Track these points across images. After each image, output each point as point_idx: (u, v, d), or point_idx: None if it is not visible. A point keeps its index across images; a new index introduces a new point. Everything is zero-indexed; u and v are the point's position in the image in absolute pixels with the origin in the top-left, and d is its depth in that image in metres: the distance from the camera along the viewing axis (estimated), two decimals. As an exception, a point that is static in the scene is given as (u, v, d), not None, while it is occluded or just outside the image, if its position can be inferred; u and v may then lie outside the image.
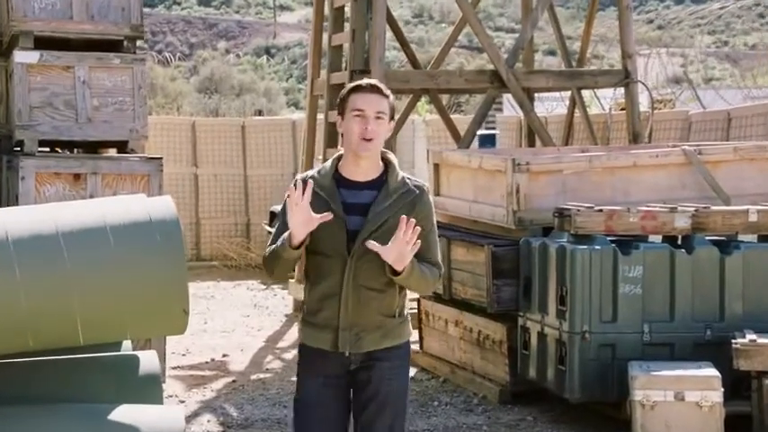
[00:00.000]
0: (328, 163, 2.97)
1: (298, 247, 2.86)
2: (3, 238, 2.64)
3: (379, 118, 2.88)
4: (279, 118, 14.12)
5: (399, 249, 2.80)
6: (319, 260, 2.90)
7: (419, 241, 2.82)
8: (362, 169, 2.92)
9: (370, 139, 2.87)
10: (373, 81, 2.94)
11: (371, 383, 2.95)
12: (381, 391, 2.95)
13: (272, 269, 2.94)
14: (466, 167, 6.06)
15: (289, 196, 2.82)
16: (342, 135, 2.96)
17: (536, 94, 8.86)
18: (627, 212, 5.03)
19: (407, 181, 2.96)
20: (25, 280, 2.62)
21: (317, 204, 2.87)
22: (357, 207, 2.90)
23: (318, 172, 2.96)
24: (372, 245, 2.80)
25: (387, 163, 2.97)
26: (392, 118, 2.94)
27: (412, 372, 6.28)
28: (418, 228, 2.80)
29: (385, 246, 2.81)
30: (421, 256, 2.92)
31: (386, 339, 2.94)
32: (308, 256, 2.93)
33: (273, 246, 2.92)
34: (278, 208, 3.23)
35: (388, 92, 2.93)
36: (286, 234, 2.86)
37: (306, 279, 3.00)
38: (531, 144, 8.41)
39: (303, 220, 2.81)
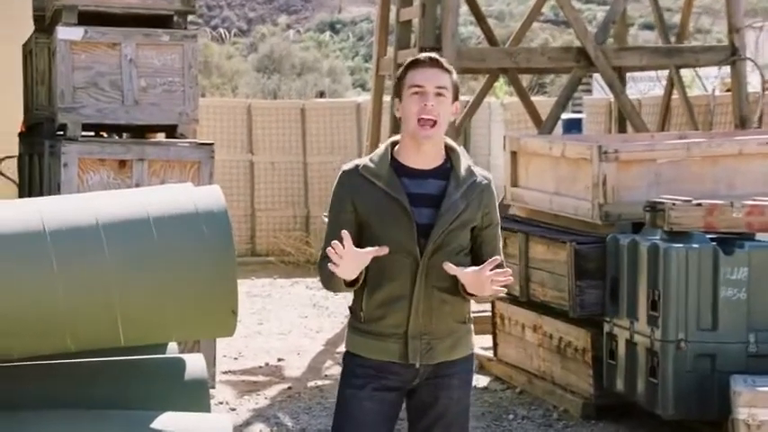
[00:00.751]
0: (381, 149, 2.91)
1: (354, 282, 2.82)
2: (40, 229, 2.71)
3: (440, 95, 2.82)
4: (342, 100, 14.19)
5: (481, 282, 2.76)
6: (382, 259, 2.83)
7: (506, 284, 2.75)
8: (425, 156, 2.86)
9: (430, 119, 2.80)
10: (432, 54, 2.89)
11: (438, 404, 2.90)
12: (448, 414, 2.91)
13: (330, 288, 2.89)
14: (547, 155, 6.00)
15: (328, 255, 2.71)
16: (400, 120, 2.90)
17: (628, 74, 8.70)
18: (730, 207, 4.92)
19: (473, 169, 2.92)
20: (63, 274, 2.67)
21: (373, 196, 2.82)
22: (425, 198, 2.84)
23: (371, 160, 2.89)
24: (450, 268, 2.76)
25: (449, 149, 2.92)
26: (456, 98, 2.88)
27: (485, 381, 6.26)
28: (508, 272, 2.74)
29: (465, 271, 2.77)
30: (488, 257, 2.89)
31: (456, 349, 2.90)
32: None
33: (327, 263, 2.80)
34: None
35: (450, 67, 2.87)
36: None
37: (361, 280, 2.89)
38: (622, 130, 8.28)
39: (354, 266, 2.75)
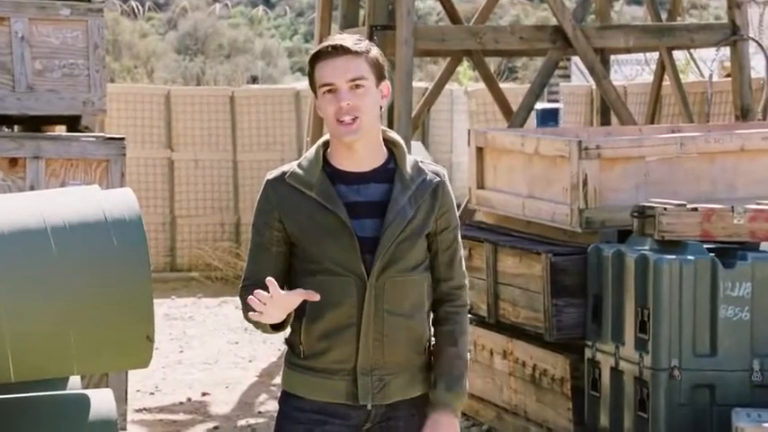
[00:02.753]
0: (311, 152, 2.86)
1: (281, 325, 2.80)
2: None
3: (357, 87, 2.77)
4: (278, 87, 14.18)
5: None
6: (321, 282, 2.79)
7: None
8: (360, 156, 2.82)
9: (352, 121, 2.77)
10: (338, 39, 2.81)
11: None
12: None
13: (252, 324, 2.83)
14: (518, 152, 6.03)
15: (248, 308, 2.70)
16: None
17: (613, 57, 8.81)
18: (730, 212, 4.98)
19: (421, 166, 2.88)
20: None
21: (304, 209, 2.79)
22: (366, 207, 2.80)
23: (299, 166, 2.84)
24: None
25: (391, 144, 2.88)
26: (382, 78, 2.82)
27: (447, 418, 6.27)
28: None
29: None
30: (442, 276, 2.88)
31: (414, 385, 2.88)
32: (300, 278, 2.82)
33: (247, 299, 2.75)
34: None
35: (363, 46, 2.80)
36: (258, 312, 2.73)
37: (297, 308, 2.82)
38: (606, 122, 8.37)
39: (281, 311, 2.73)
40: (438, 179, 2.88)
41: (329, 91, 2.79)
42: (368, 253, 2.79)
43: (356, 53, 2.78)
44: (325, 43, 2.82)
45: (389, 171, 2.85)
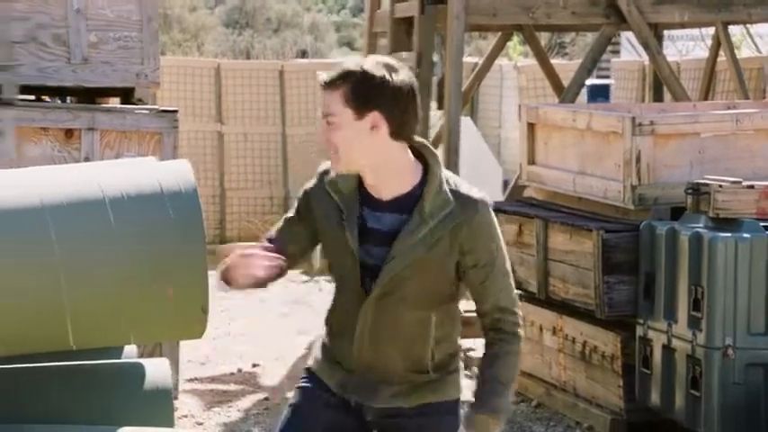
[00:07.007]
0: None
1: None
2: (-26, 211, 2.68)
3: (328, 123, 2.75)
4: (328, 61, 14.14)
5: None
6: (340, 277, 2.90)
7: None
8: (374, 186, 2.80)
9: (334, 153, 2.76)
10: (331, 69, 2.80)
11: None
12: None
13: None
14: (570, 128, 5.99)
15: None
16: None
17: (666, 32, 8.67)
18: (787, 190, 4.92)
19: (450, 196, 2.75)
20: (2, 266, 2.65)
21: (330, 218, 2.83)
22: (380, 236, 2.78)
23: (339, 175, 2.83)
24: None
25: (427, 167, 2.80)
26: (366, 107, 2.70)
27: (496, 393, 6.26)
28: None
29: None
30: (482, 309, 2.83)
31: (417, 395, 2.87)
32: (331, 265, 2.94)
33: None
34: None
35: (339, 77, 2.73)
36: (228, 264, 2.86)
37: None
38: (658, 98, 8.28)
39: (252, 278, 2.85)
40: (464, 216, 2.75)
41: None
42: (368, 278, 2.81)
43: (331, 87, 2.75)
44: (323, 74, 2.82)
45: (413, 199, 2.77)
